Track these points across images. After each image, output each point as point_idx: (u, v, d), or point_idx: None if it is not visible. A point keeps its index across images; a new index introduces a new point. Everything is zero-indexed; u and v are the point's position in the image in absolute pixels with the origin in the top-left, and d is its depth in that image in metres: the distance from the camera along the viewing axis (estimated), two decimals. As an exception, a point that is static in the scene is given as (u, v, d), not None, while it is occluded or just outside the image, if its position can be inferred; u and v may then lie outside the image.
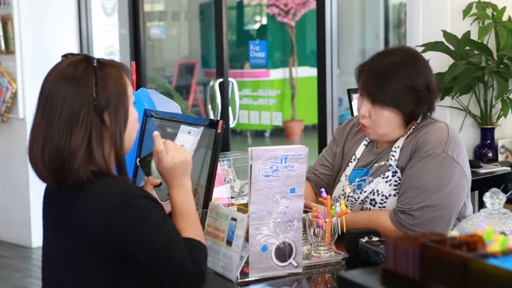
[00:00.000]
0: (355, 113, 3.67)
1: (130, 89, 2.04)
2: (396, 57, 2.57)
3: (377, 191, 2.55)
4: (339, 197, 2.66)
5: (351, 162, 2.70)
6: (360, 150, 2.71)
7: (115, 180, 1.99)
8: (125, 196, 1.93)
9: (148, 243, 1.92)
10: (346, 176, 2.68)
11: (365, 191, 2.58)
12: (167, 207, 2.12)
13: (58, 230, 2.05)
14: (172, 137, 2.51)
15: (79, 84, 1.96)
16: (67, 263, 2.01)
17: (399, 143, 2.56)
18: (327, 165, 2.83)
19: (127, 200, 1.92)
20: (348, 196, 2.62)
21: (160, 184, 2.18)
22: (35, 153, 1.98)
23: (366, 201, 2.57)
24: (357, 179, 2.63)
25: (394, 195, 2.53)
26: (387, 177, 2.54)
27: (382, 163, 2.59)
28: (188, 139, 2.30)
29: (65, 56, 2.06)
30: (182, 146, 2.21)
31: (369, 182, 2.58)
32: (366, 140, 2.72)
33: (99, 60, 2.01)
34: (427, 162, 2.47)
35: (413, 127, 2.57)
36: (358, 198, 2.59)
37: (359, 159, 2.69)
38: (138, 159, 2.21)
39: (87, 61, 2.00)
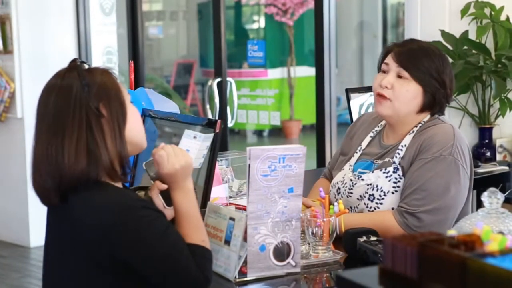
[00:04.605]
0: (354, 112, 3.68)
1: (122, 86, 2.02)
2: (431, 46, 2.66)
3: (377, 186, 2.55)
4: (337, 183, 2.68)
5: (356, 152, 2.72)
6: (366, 141, 2.73)
7: (117, 191, 1.96)
8: (127, 209, 1.90)
9: (151, 253, 1.90)
10: (350, 165, 2.70)
11: (362, 179, 2.59)
12: (173, 212, 2.10)
13: (60, 239, 2.02)
14: (171, 136, 2.51)
15: (65, 86, 1.95)
16: (68, 272, 1.99)
17: (406, 141, 2.58)
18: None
19: (129, 212, 1.90)
20: (346, 182, 2.64)
21: (167, 189, 2.15)
22: (35, 174, 1.97)
23: (365, 196, 2.57)
24: (359, 170, 2.65)
25: (393, 193, 2.54)
26: (388, 172, 2.55)
27: (387, 159, 2.60)
28: (194, 144, 2.28)
29: None
30: (188, 151, 2.18)
31: (370, 173, 2.59)
32: (373, 132, 2.74)
33: (83, 62, 2.01)
34: (435, 164, 2.48)
35: (420, 125, 2.59)
36: (355, 184, 2.60)
37: (364, 150, 2.71)
38: (144, 163, 2.19)
39: (70, 66, 2.00)
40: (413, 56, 2.56)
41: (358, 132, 2.80)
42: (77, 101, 1.93)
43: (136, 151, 2.09)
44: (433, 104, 2.58)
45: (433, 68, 2.55)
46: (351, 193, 2.62)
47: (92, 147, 1.92)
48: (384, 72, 2.61)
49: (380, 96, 2.59)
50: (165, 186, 2.11)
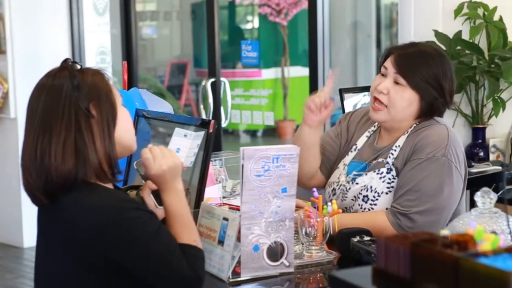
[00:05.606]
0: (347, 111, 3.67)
1: (113, 87, 2.02)
2: (433, 50, 2.61)
3: (371, 187, 2.55)
4: (333, 183, 2.67)
5: (351, 151, 2.71)
6: (361, 141, 2.72)
7: (108, 193, 1.96)
8: (119, 210, 1.90)
9: (144, 254, 1.90)
10: (344, 164, 2.69)
11: (357, 183, 2.59)
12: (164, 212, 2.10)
13: (51, 240, 2.01)
14: (165, 137, 2.51)
15: (56, 85, 1.95)
16: (59, 274, 1.98)
17: (400, 142, 2.57)
18: (332, 139, 2.82)
19: (121, 214, 1.90)
20: (341, 185, 2.63)
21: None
22: (24, 173, 1.95)
23: (359, 198, 2.58)
24: (354, 172, 2.64)
25: (386, 193, 2.54)
26: (382, 173, 2.55)
27: (380, 160, 2.59)
28: (185, 142, 2.27)
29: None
30: (178, 149, 2.18)
31: (364, 175, 2.59)
32: (368, 132, 2.72)
33: (75, 62, 2.01)
34: (428, 165, 2.48)
35: (414, 125, 2.58)
36: (350, 189, 2.59)
37: (359, 150, 2.69)
38: (135, 162, 2.19)
39: (61, 66, 1.99)
40: (412, 63, 2.54)
41: (354, 125, 2.77)
42: (66, 100, 1.93)
43: (125, 153, 2.08)
44: (431, 111, 2.57)
45: (432, 76, 2.53)
46: (346, 197, 2.62)
47: (80, 147, 1.91)
48: (383, 75, 2.59)
49: (375, 100, 2.58)
50: (156, 186, 2.11)
